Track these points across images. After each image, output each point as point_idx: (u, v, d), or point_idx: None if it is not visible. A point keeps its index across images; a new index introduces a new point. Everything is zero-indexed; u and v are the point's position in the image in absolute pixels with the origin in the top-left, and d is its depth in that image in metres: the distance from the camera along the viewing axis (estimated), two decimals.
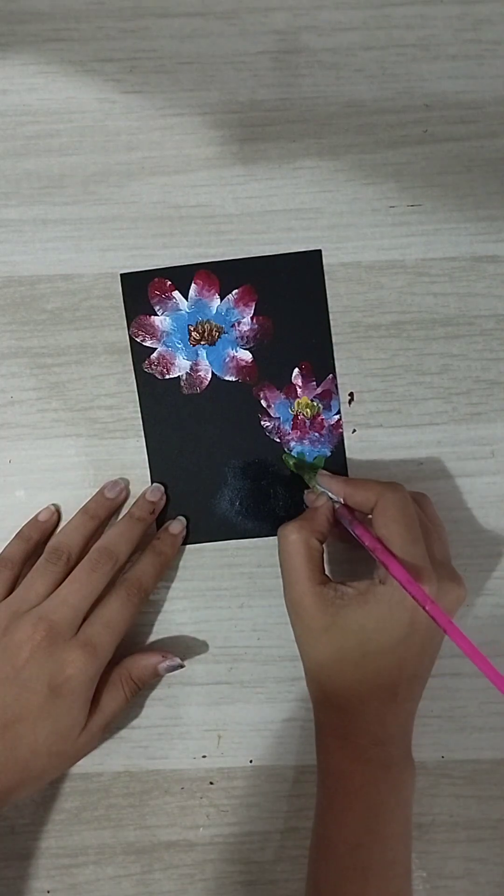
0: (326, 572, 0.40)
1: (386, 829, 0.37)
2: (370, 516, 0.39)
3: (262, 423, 0.45)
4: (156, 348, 0.45)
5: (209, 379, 0.45)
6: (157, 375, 0.45)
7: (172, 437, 0.45)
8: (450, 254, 0.45)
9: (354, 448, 0.45)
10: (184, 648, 0.44)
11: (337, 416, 0.45)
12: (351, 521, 0.39)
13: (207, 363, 0.45)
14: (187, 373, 0.45)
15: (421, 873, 0.43)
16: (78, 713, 0.38)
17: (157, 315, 0.45)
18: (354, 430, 0.45)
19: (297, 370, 0.45)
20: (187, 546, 0.45)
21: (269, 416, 0.45)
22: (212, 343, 0.45)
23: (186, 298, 0.45)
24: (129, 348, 0.45)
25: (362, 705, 0.38)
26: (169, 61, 0.45)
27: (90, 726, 0.39)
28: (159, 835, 0.44)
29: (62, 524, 0.44)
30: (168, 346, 0.45)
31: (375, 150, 0.45)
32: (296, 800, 0.44)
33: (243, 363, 0.45)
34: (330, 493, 0.41)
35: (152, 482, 0.45)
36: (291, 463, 0.44)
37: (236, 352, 0.45)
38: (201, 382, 0.45)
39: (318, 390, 0.45)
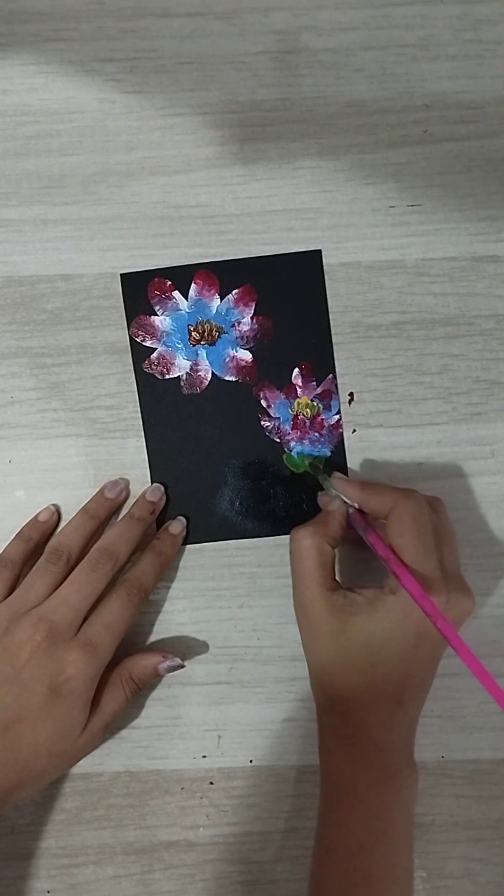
0: (336, 574, 0.40)
1: (388, 834, 0.37)
2: (383, 521, 0.39)
3: (262, 423, 0.45)
4: (156, 348, 0.45)
5: (209, 379, 0.45)
6: (157, 375, 0.45)
7: (172, 437, 0.45)
8: (450, 254, 0.45)
9: (354, 448, 0.45)
10: (184, 648, 0.44)
11: (337, 416, 0.45)
12: (365, 528, 0.39)
13: (207, 363, 0.45)
14: (187, 373, 0.45)
15: (421, 873, 0.43)
16: (78, 713, 0.38)
17: (157, 315, 0.45)
18: (354, 430, 0.45)
19: (297, 370, 0.45)
20: (187, 546, 0.45)
21: (269, 416, 0.45)
22: (212, 343, 0.45)
23: (186, 298, 0.45)
24: (129, 348, 0.45)
25: (366, 711, 0.38)
26: (169, 61, 0.45)
27: (90, 727, 0.39)
28: (159, 835, 0.44)
29: (62, 524, 0.44)
30: (168, 346, 0.45)
31: (375, 150, 0.45)
32: (296, 800, 0.44)
33: (243, 363, 0.45)
34: (344, 497, 0.41)
35: (152, 482, 0.45)
36: (307, 463, 0.44)
37: (236, 352, 0.45)
38: (201, 382, 0.45)
39: (318, 390, 0.45)
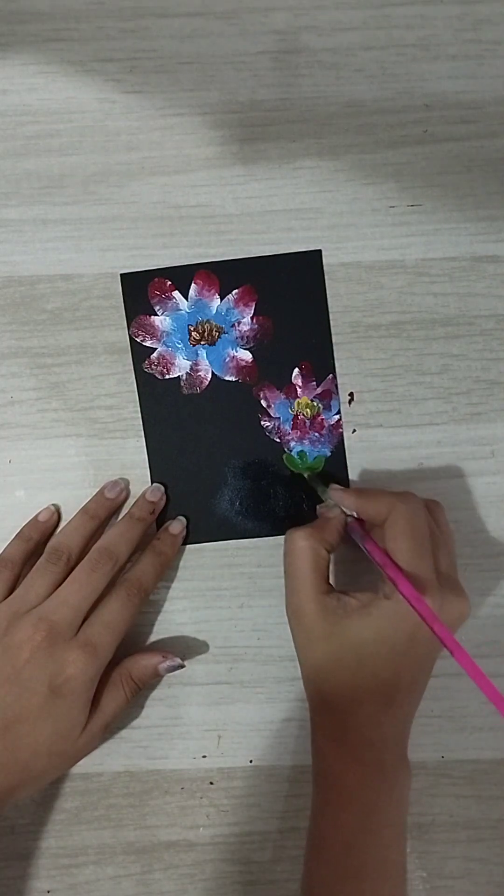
0: (330, 576, 0.40)
1: (380, 831, 0.37)
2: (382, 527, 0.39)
3: (262, 423, 0.45)
4: (156, 348, 0.45)
5: (209, 379, 0.45)
6: (157, 375, 0.45)
7: (172, 437, 0.45)
8: (450, 254, 0.45)
9: (354, 448, 0.45)
10: (184, 648, 0.44)
11: (337, 416, 0.45)
12: (362, 536, 0.39)
13: (207, 363, 0.45)
14: (187, 373, 0.45)
15: (421, 873, 0.43)
16: (78, 713, 0.38)
17: (157, 315, 0.45)
18: (354, 430, 0.45)
19: (297, 370, 0.45)
20: (187, 546, 0.45)
21: (269, 416, 0.45)
22: (212, 343, 0.45)
23: (186, 298, 0.45)
24: (129, 348, 0.45)
25: (358, 709, 0.38)
26: (169, 61, 0.45)
27: (90, 726, 0.39)
28: (159, 835, 0.44)
29: (62, 524, 0.44)
30: (168, 346, 0.45)
31: (375, 150, 0.45)
32: (296, 800, 0.44)
33: (243, 363, 0.45)
34: (342, 507, 0.41)
35: (152, 482, 0.45)
36: (305, 476, 0.44)
37: (236, 352, 0.45)
38: (201, 382, 0.45)
39: (318, 390, 0.45)
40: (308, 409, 0.45)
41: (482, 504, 0.45)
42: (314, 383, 0.45)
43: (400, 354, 0.45)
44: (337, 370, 0.45)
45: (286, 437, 0.45)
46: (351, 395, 0.45)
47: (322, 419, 0.45)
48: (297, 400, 0.45)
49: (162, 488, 0.44)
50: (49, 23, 0.45)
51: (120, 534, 0.42)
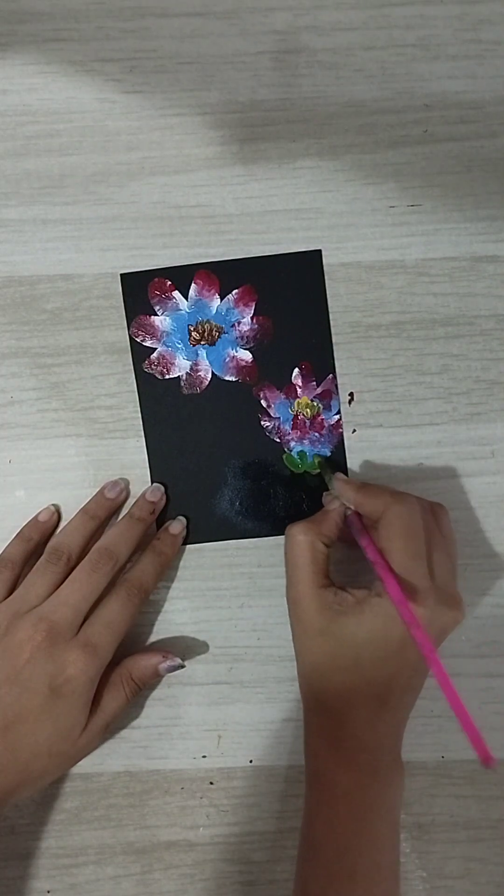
0: (331, 569, 0.40)
1: (373, 833, 0.37)
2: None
3: (262, 423, 0.45)
4: (156, 348, 0.45)
5: (209, 379, 0.45)
6: (157, 375, 0.45)
7: (172, 437, 0.45)
8: (450, 254, 0.45)
9: (354, 448, 0.45)
10: (184, 648, 0.44)
11: (337, 416, 0.45)
12: (359, 531, 0.39)
13: (207, 363, 0.45)
14: (187, 373, 0.45)
15: (421, 873, 0.43)
16: (79, 713, 0.38)
17: (157, 315, 0.45)
18: (354, 430, 0.45)
19: (297, 370, 0.45)
20: (187, 546, 0.45)
21: (269, 416, 0.45)
22: (212, 343, 0.45)
23: (186, 298, 0.45)
24: (129, 348, 0.45)
25: (351, 711, 0.38)
26: (169, 61, 0.45)
27: (91, 727, 0.39)
28: (159, 835, 0.44)
29: (62, 524, 0.44)
30: (168, 346, 0.45)
31: (375, 150, 0.45)
32: (296, 800, 0.44)
33: (243, 363, 0.45)
34: (342, 499, 0.41)
35: (152, 482, 0.45)
36: (316, 462, 0.44)
37: (236, 352, 0.45)
38: (201, 382, 0.45)
39: (318, 390, 0.45)
40: (308, 409, 0.45)
41: (482, 504, 0.45)
42: (314, 383, 0.45)
43: (400, 354, 0.45)
44: (337, 370, 0.45)
45: (286, 437, 0.45)
46: (351, 395, 0.45)
47: (322, 419, 0.45)
48: (297, 400, 0.45)
49: (162, 488, 0.44)
50: (49, 23, 0.45)
51: (120, 534, 0.42)
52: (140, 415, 0.45)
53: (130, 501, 0.45)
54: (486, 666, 0.44)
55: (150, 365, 0.45)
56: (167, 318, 0.45)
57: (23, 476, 0.45)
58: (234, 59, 0.45)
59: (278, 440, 0.45)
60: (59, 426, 0.45)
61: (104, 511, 0.43)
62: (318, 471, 0.44)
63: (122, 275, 0.45)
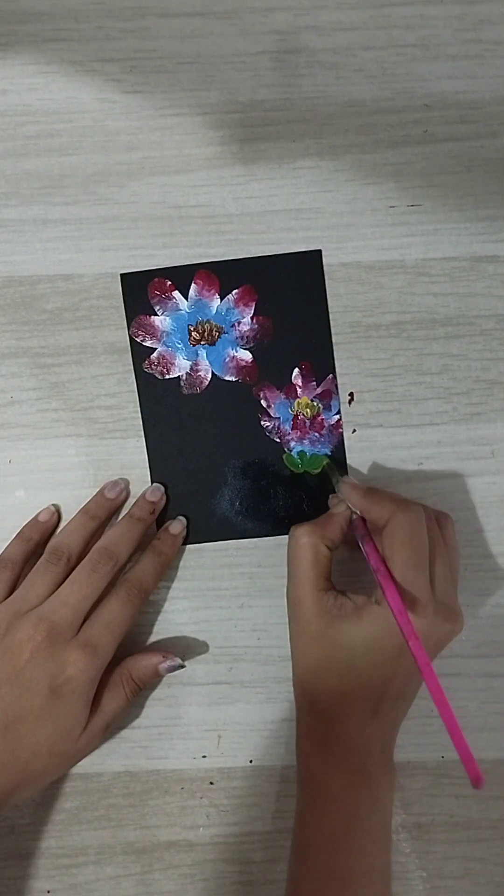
0: (334, 571, 0.40)
1: (363, 835, 0.37)
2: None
3: (262, 423, 0.45)
4: (156, 348, 0.45)
5: (209, 379, 0.45)
6: (157, 375, 0.45)
7: (172, 437, 0.45)
8: (450, 254, 0.45)
9: (354, 448, 0.45)
10: (184, 648, 0.44)
11: (337, 416, 0.45)
12: (363, 536, 0.39)
13: (207, 363, 0.45)
14: (187, 373, 0.45)
15: (421, 873, 0.43)
16: (79, 714, 0.38)
17: (157, 315, 0.45)
18: (354, 430, 0.45)
19: (297, 370, 0.45)
20: (187, 546, 0.45)
21: (269, 416, 0.45)
22: (212, 343, 0.45)
23: (186, 298, 0.45)
24: (129, 348, 0.45)
25: (342, 715, 0.38)
26: (169, 61, 0.45)
27: (91, 727, 0.39)
28: (159, 835, 0.44)
29: (62, 524, 0.44)
30: (168, 346, 0.45)
31: (375, 150, 0.45)
32: (295, 800, 0.44)
33: (243, 363, 0.45)
34: (348, 503, 0.41)
35: (152, 482, 0.45)
36: (324, 464, 0.44)
37: (236, 352, 0.45)
38: (201, 382, 0.45)
39: (318, 390, 0.45)
40: (308, 409, 0.45)
41: (482, 504, 0.45)
42: (314, 383, 0.45)
43: (400, 354, 0.45)
44: (337, 370, 0.45)
45: (286, 437, 0.45)
46: (351, 395, 0.45)
47: (322, 419, 0.45)
48: (297, 400, 0.45)
49: (162, 488, 0.44)
50: (49, 23, 0.45)
51: (120, 534, 0.42)
52: (140, 415, 0.45)
53: (130, 501, 0.45)
54: (486, 666, 0.44)
55: (150, 365, 0.45)
56: (167, 318, 0.45)
57: (23, 476, 0.45)
58: (234, 59, 0.45)
59: (278, 440, 0.45)
60: (59, 426, 0.45)
61: (104, 511, 0.43)
62: (318, 471, 0.44)
63: (122, 275, 0.45)
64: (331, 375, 0.45)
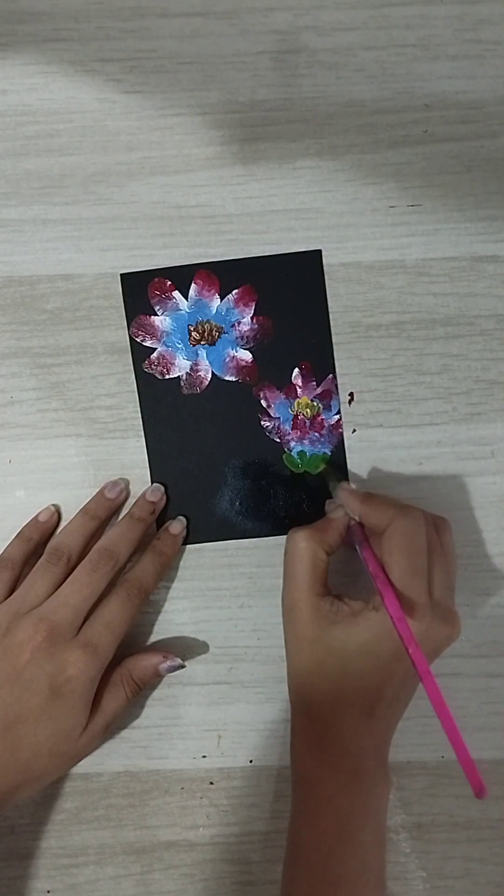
0: (330, 580, 0.40)
1: (357, 838, 0.37)
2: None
3: (262, 423, 0.45)
4: (156, 348, 0.45)
5: (209, 379, 0.45)
6: (157, 375, 0.45)
7: (172, 437, 0.45)
8: (450, 254, 0.45)
9: (354, 448, 0.45)
10: (184, 648, 0.44)
11: (337, 416, 0.45)
12: (361, 542, 0.39)
13: (207, 363, 0.45)
14: (187, 373, 0.45)
15: (421, 873, 0.43)
16: (79, 714, 0.38)
17: (157, 315, 0.45)
18: (354, 430, 0.45)
19: (297, 370, 0.45)
20: (187, 546, 0.45)
21: (269, 416, 0.45)
22: (212, 343, 0.45)
23: (186, 298, 0.45)
24: (129, 348, 0.45)
25: (337, 718, 0.38)
26: (169, 61, 0.45)
27: (91, 727, 0.39)
28: (159, 835, 0.44)
29: (62, 524, 0.44)
30: (168, 346, 0.45)
31: (375, 150, 0.45)
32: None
33: (243, 363, 0.45)
34: (347, 509, 0.41)
35: (152, 482, 0.45)
36: (321, 468, 0.44)
37: (236, 352, 0.45)
38: (201, 382, 0.45)
39: (318, 390, 0.45)
40: (308, 409, 0.45)
41: (482, 504, 0.45)
42: (314, 383, 0.45)
43: (400, 354, 0.45)
44: (337, 370, 0.45)
45: (286, 437, 0.45)
46: (351, 395, 0.45)
47: (322, 419, 0.45)
48: (297, 400, 0.45)
49: (162, 488, 0.44)
50: (49, 23, 0.45)
51: (120, 534, 0.42)
52: (140, 415, 0.45)
53: (130, 501, 0.45)
54: (486, 666, 0.44)
55: (150, 365, 0.45)
56: (167, 318, 0.45)
57: (23, 476, 0.45)
58: (234, 59, 0.45)
59: (278, 440, 0.45)
60: (59, 426, 0.45)
61: (104, 511, 0.43)
62: (319, 471, 0.44)
63: (122, 275, 0.45)
64: (331, 375, 0.45)
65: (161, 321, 0.45)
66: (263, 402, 0.45)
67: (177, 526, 0.44)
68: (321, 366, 0.45)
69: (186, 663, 0.43)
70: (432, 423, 0.45)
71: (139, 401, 0.45)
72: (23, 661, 0.38)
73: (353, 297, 0.45)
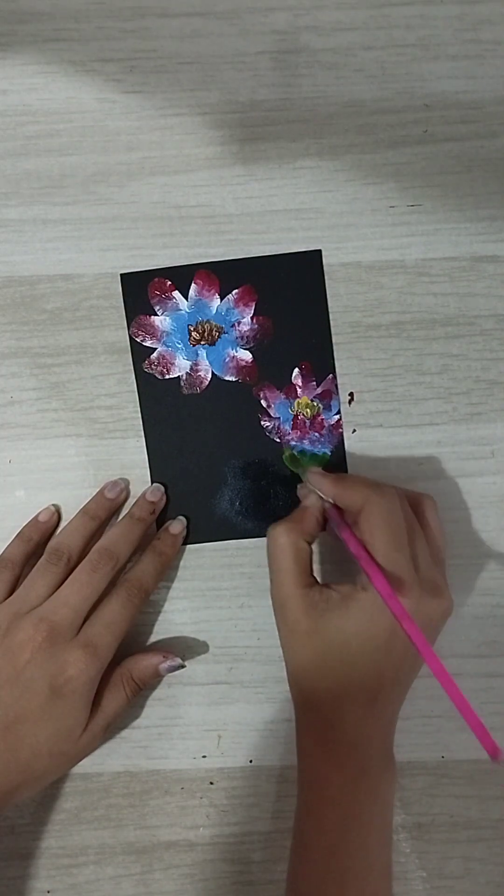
0: (316, 567, 0.40)
1: (363, 833, 0.37)
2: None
3: (262, 423, 0.45)
4: (156, 348, 0.45)
5: (209, 379, 0.45)
6: (157, 375, 0.45)
7: (172, 437, 0.45)
8: (450, 254, 0.45)
9: (354, 448, 0.45)
10: (184, 648, 0.44)
11: (337, 416, 0.45)
12: (339, 524, 0.39)
13: (207, 363, 0.45)
14: (187, 373, 0.45)
15: (421, 873, 0.43)
16: (79, 714, 0.38)
17: (157, 315, 0.45)
18: (354, 430, 0.45)
19: (297, 370, 0.45)
20: (187, 546, 0.45)
21: (269, 416, 0.45)
22: (212, 343, 0.45)
23: (186, 298, 0.45)
24: (129, 348, 0.45)
25: (340, 709, 0.38)
26: (169, 61, 0.45)
27: (91, 727, 0.39)
28: (159, 835, 0.44)
29: (62, 524, 0.44)
30: (168, 346, 0.45)
31: (375, 150, 0.45)
32: (295, 800, 0.44)
33: (243, 363, 0.45)
34: (320, 493, 0.41)
35: (152, 482, 0.45)
36: (286, 455, 0.44)
37: (236, 352, 0.45)
38: (201, 382, 0.45)
39: (318, 390, 0.45)
40: (308, 409, 0.45)
41: (482, 504, 0.45)
42: (314, 383, 0.45)
43: (400, 354, 0.45)
44: (337, 370, 0.45)
45: (286, 437, 0.45)
46: (351, 395, 0.45)
47: (322, 419, 0.45)
48: (297, 400, 0.45)
49: (162, 488, 0.44)
50: (49, 23, 0.45)
51: (120, 534, 0.42)
52: (140, 415, 0.45)
53: (130, 501, 0.45)
54: (486, 666, 0.44)
55: (150, 365, 0.45)
56: (167, 318, 0.45)
57: (23, 476, 0.45)
58: (234, 59, 0.45)
59: (278, 440, 0.45)
60: (59, 426, 0.45)
61: (104, 511, 0.43)
62: (284, 458, 0.44)
63: (122, 275, 0.45)
64: (331, 375, 0.45)
65: (161, 321, 0.45)
66: (263, 402, 0.45)
67: (177, 526, 0.44)
68: (321, 366, 0.45)
69: (186, 663, 0.43)
70: (432, 423, 0.45)
71: (139, 401, 0.45)
72: (23, 662, 0.38)
73: (353, 297, 0.45)
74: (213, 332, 0.45)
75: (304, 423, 0.45)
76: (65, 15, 0.45)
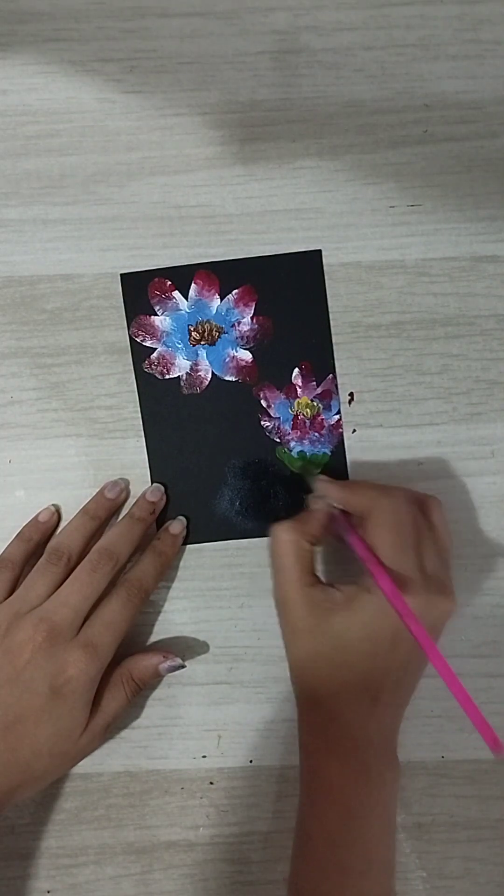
0: (320, 569, 0.40)
1: (365, 829, 0.37)
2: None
3: (262, 423, 0.45)
4: (156, 348, 0.45)
5: (209, 379, 0.45)
6: (157, 375, 0.45)
7: (172, 437, 0.45)
8: (450, 254, 0.45)
9: (354, 448, 0.45)
10: (184, 648, 0.44)
11: (337, 416, 0.45)
12: (346, 529, 0.39)
13: (207, 363, 0.45)
14: (187, 373, 0.45)
15: (421, 873, 0.43)
16: (79, 714, 0.38)
17: (157, 315, 0.45)
18: (354, 430, 0.45)
19: (297, 370, 0.45)
20: (187, 546, 0.45)
21: (269, 416, 0.45)
22: (212, 343, 0.45)
23: (186, 298, 0.45)
24: (129, 348, 0.45)
25: (343, 708, 0.38)
26: (169, 61, 0.45)
27: (91, 727, 0.39)
28: (159, 835, 0.44)
29: (62, 524, 0.44)
30: (168, 346, 0.45)
31: (375, 150, 0.45)
32: (295, 799, 0.43)
33: (243, 363, 0.45)
34: (327, 499, 0.41)
35: (152, 482, 0.45)
36: (297, 465, 0.44)
37: (236, 352, 0.45)
38: (201, 382, 0.45)
39: (318, 390, 0.45)
40: (308, 409, 0.45)
41: (482, 504, 0.45)
42: (314, 383, 0.45)
43: (400, 354, 0.45)
44: (337, 370, 0.45)
45: (286, 437, 0.45)
46: (351, 395, 0.45)
47: (322, 419, 0.45)
48: (297, 400, 0.45)
49: (162, 488, 0.44)
50: (49, 23, 0.45)
51: (120, 534, 0.42)
52: (140, 415, 0.45)
53: (130, 501, 0.45)
54: (486, 666, 0.44)
55: (150, 365, 0.45)
56: (167, 318, 0.45)
57: (23, 476, 0.45)
58: (234, 59, 0.45)
59: (278, 440, 0.45)
60: (59, 426, 0.45)
61: (104, 511, 0.43)
62: (297, 468, 0.44)
63: (122, 275, 0.45)
64: (331, 375, 0.45)
65: (161, 321, 0.45)
66: (263, 402, 0.45)
67: (177, 526, 0.44)
68: (321, 366, 0.45)
69: (186, 663, 0.43)
70: (432, 423, 0.45)
71: (139, 401, 0.45)
72: (23, 662, 0.38)
73: (353, 297, 0.45)
74: (213, 332, 0.45)
75: (304, 423, 0.45)
76: (65, 15, 0.45)
